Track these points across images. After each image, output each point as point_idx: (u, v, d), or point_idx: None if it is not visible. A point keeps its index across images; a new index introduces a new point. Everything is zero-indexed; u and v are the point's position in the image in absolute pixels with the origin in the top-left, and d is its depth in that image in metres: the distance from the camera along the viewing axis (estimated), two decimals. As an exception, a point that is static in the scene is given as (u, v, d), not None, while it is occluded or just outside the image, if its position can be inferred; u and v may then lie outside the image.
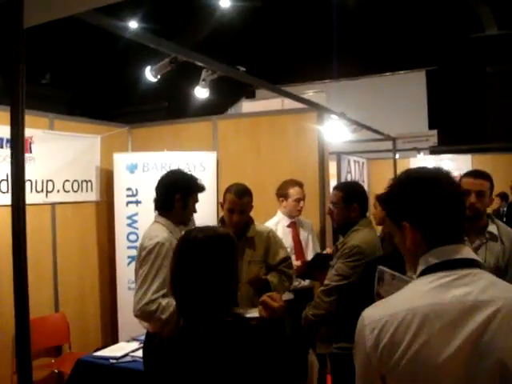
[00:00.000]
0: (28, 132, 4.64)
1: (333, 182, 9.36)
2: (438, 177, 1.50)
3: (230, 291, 1.89)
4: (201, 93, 3.61)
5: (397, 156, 9.28)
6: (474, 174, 2.96)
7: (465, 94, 11.46)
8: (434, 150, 10.85)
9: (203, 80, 3.49)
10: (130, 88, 12.38)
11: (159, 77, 3.23)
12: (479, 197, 2.83)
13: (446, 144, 10.18)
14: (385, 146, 8.75)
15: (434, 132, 8.26)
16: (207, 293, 1.82)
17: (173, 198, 3.11)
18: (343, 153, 9.06)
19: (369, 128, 6.50)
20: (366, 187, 9.96)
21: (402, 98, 11.82)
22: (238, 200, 3.32)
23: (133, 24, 12.67)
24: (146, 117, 12.06)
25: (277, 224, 4.44)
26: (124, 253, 5.10)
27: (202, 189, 3.25)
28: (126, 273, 5.03)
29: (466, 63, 11.52)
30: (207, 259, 1.83)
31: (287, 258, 3.49)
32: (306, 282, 4.34)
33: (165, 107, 14.06)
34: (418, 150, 9.20)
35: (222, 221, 3.50)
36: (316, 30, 11.43)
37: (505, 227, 2.94)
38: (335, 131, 5.63)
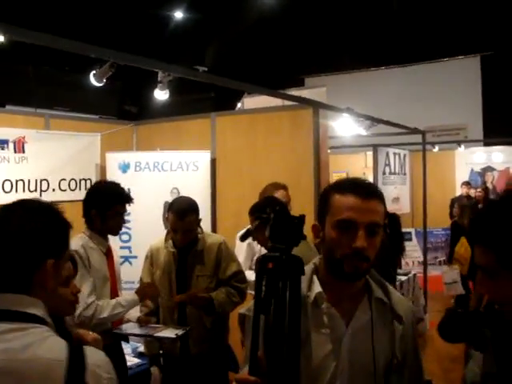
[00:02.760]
0: (21, 132, 4.71)
1: (370, 175, 9.18)
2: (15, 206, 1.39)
3: None
4: (160, 95, 3.48)
5: (436, 149, 8.88)
6: (361, 190, 1.59)
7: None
8: (487, 142, 10.29)
9: (160, 82, 3.35)
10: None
11: (104, 81, 3.12)
12: (372, 235, 1.56)
13: (499, 135, 9.61)
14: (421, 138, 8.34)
15: (467, 124, 7.77)
16: None
17: (89, 214, 3.06)
18: (380, 145, 8.73)
19: (387, 122, 6.16)
20: (407, 180, 9.57)
21: (439, 88, 11.22)
22: (179, 221, 3.17)
23: (178, 14, 12.73)
24: (193, 106, 12.11)
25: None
26: (117, 253, 5.06)
27: (124, 200, 3.14)
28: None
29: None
30: None
31: (239, 272, 3.32)
32: None
33: (212, 97, 14.01)
34: (459, 143, 8.70)
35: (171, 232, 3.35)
36: (344, 17, 11.05)
37: (397, 295, 1.75)
38: (343, 126, 5.40)
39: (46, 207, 1.42)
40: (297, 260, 1.35)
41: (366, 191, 1.59)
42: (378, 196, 1.62)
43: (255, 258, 4.18)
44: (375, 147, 8.60)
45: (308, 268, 1.67)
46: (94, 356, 1.29)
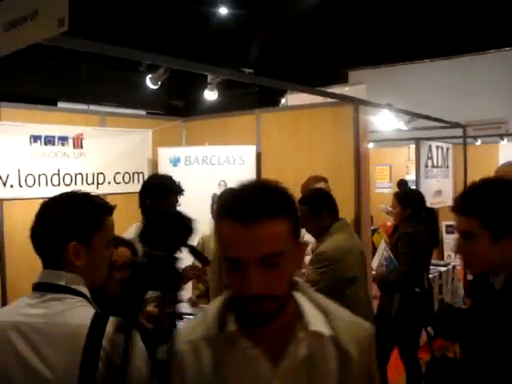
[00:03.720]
0: (79, 130, 5.07)
1: (413, 168, 9.25)
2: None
3: None
4: (209, 95, 3.75)
5: (478, 142, 8.92)
6: (241, 211, 1.18)
7: None
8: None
9: (209, 83, 3.62)
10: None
11: (159, 83, 3.41)
12: (273, 267, 1.19)
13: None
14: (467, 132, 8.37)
15: (509, 118, 7.82)
16: None
17: (145, 204, 3.34)
18: (423, 138, 8.81)
19: (426, 117, 6.31)
20: (450, 174, 9.61)
21: (480, 81, 11.15)
22: None
23: (223, 10, 13.00)
24: (238, 101, 12.41)
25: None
26: (168, 242, 5.39)
27: (176, 191, 3.41)
28: (170, 260, 5.34)
29: None
30: None
31: None
32: None
33: (256, 92, 14.27)
34: (502, 136, 8.70)
35: None
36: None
37: (346, 318, 1.37)
38: (384, 121, 5.58)
39: (76, 198, 1.67)
40: (170, 272, 1.14)
41: (249, 211, 1.17)
42: (273, 212, 1.19)
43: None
44: (417, 140, 8.69)
45: (218, 300, 1.36)
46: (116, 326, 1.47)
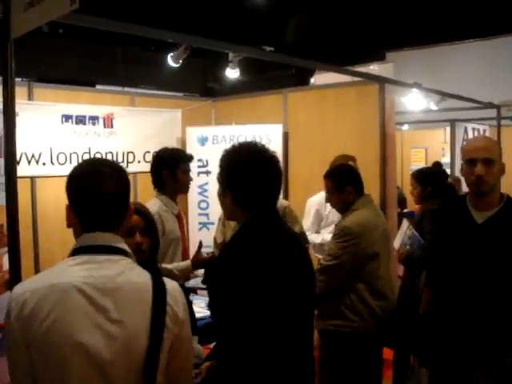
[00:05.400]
0: (109, 109, 5.20)
1: (448, 150, 9.12)
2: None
3: None
4: (231, 73, 3.81)
5: (515, 123, 8.73)
6: None
7: None
8: None
9: (231, 61, 3.68)
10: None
11: (181, 61, 3.48)
12: None
13: None
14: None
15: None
16: None
17: (161, 176, 3.42)
18: (458, 120, 8.67)
19: (458, 97, 6.22)
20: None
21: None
22: None
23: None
24: (274, 83, 12.40)
25: (323, 198, 4.49)
26: (196, 219, 5.49)
27: (187, 158, 3.48)
28: (197, 237, 5.42)
29: None
30: None
31: (301, 234, 3.65)
32: None
33: (292, 74, 14.22)
34: (538, 117, 8.48)
35: None
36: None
37: None
38: (413, 101, 5.55)
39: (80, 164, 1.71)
40: None
41: None
42: None
43: (322, 223, 4.48)
44: (453, 122, 8.56)
45: None
46: (171, 283, 1.60)
